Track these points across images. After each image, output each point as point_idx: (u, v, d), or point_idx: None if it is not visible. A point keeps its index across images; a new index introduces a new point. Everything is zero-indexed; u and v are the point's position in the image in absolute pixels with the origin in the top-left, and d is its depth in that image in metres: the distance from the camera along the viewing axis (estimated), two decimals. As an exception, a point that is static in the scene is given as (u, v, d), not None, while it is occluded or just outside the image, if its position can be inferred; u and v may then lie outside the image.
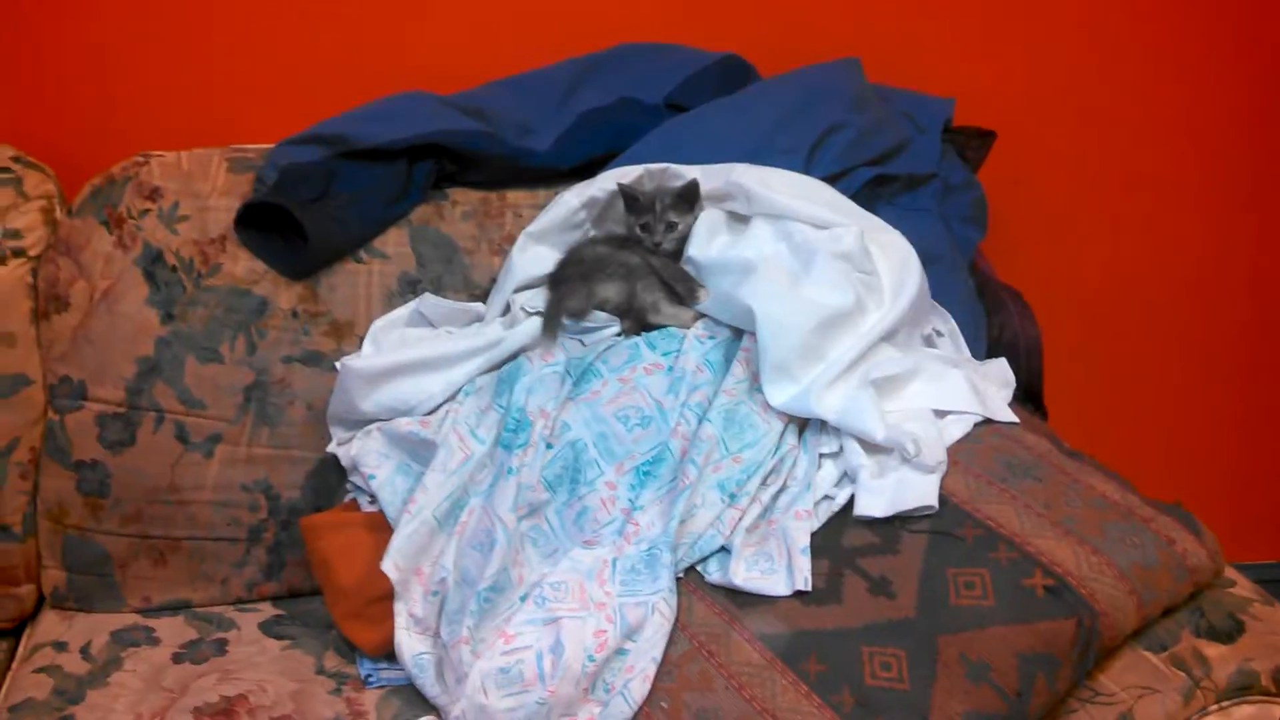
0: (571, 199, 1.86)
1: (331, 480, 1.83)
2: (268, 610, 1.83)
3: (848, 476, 1.59)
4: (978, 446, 1.60)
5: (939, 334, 1.89)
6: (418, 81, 2.09)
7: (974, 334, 1.97)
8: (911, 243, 1.83)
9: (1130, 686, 1.40)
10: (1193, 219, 2.52)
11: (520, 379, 1.71)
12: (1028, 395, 2.01)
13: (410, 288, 1.90)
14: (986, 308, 2.06)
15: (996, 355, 1.94)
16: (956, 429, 1.63)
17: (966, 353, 1.89)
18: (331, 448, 1.79)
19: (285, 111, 2.00)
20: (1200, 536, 1.47)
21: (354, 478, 1.76)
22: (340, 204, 1.89)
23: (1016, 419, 1.67)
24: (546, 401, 1.67)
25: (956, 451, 1.59)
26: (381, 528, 1.68)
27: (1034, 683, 1.35)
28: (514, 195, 1.99)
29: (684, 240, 1.82)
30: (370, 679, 1.65)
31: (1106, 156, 2.41)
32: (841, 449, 1.62)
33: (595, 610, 1.48)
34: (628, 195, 1.80)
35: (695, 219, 1.82)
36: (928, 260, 1.88)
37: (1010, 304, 2.07)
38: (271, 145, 1.94)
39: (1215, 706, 1.37)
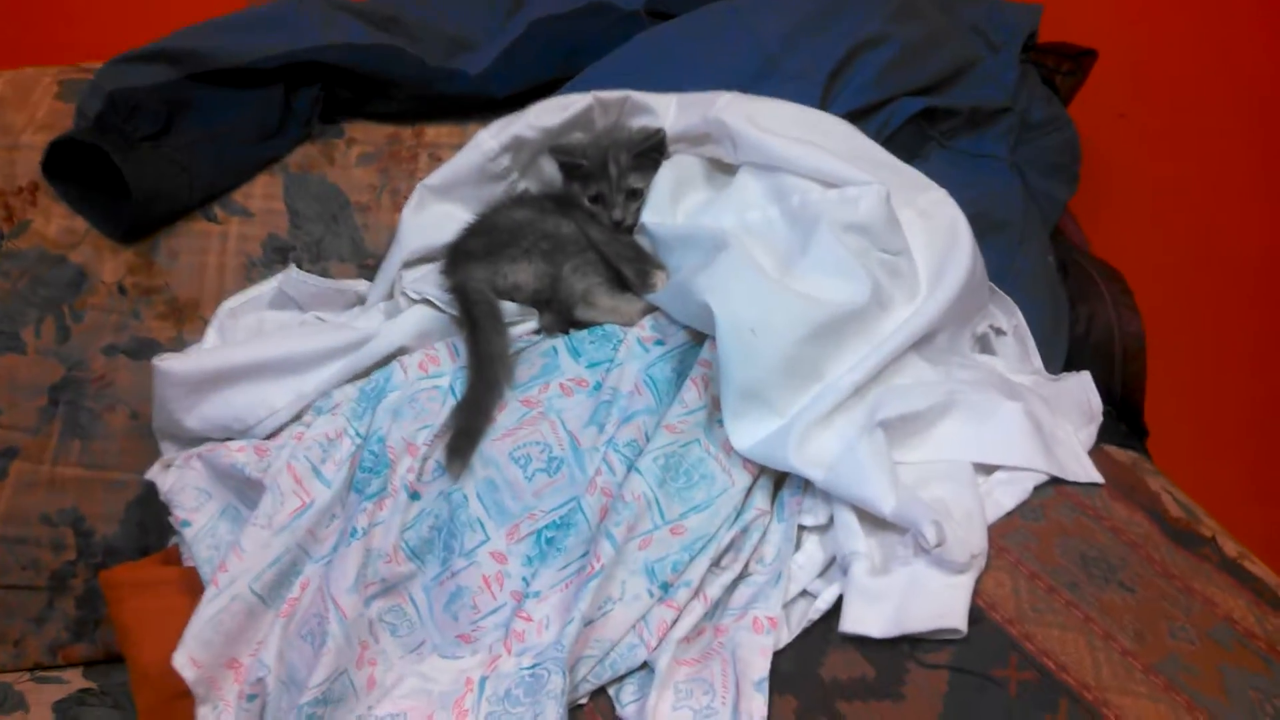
0: (487, 139, 1.36)
1: (163, 513, 1.37)
2: (75, 681, 1.40)
3: (838, 565, 1.07)
4: (1038, 526, 1.08)
5: (999, 332, 1.36)
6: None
7: (1051, 329, 1.46)
8: (971, 200, 1.32)
9: None
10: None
11: (386, 395, 1.21)
12: (1122, 411, 1.46)
13: (279, 255, 1.45)
14: (1072, 293, 1.52)
15: (1082, 358, 1.47)
16: (1007, 495, 1.11)
17: (1036, 359, 1.36)
18: (152, 473, 1.33)
19: (152, 19, 1.54)
20: (1383, 692, 0.93)
21: (172, 520, 1.29)
22: (187, 142, 1.43)
23: (1100, 478, 1.13)
24: (416, 430, 1.18)
25: (1004, 532, 1.07)
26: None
27: None
28: (435, 131, 1.52)
29: None
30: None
31: (1250, 83, 1.85)
32: (832, 521, 1.09)
33: (441, 764, 1.00)
34: (565, 162, 1.34)
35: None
36: (991, 227, 1.39)
37: (1104, 288, 1.53)
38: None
39: None
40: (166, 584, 1.27)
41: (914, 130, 1.52)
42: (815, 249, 1.21)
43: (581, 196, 1.33)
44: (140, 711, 1.24)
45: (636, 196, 1.33)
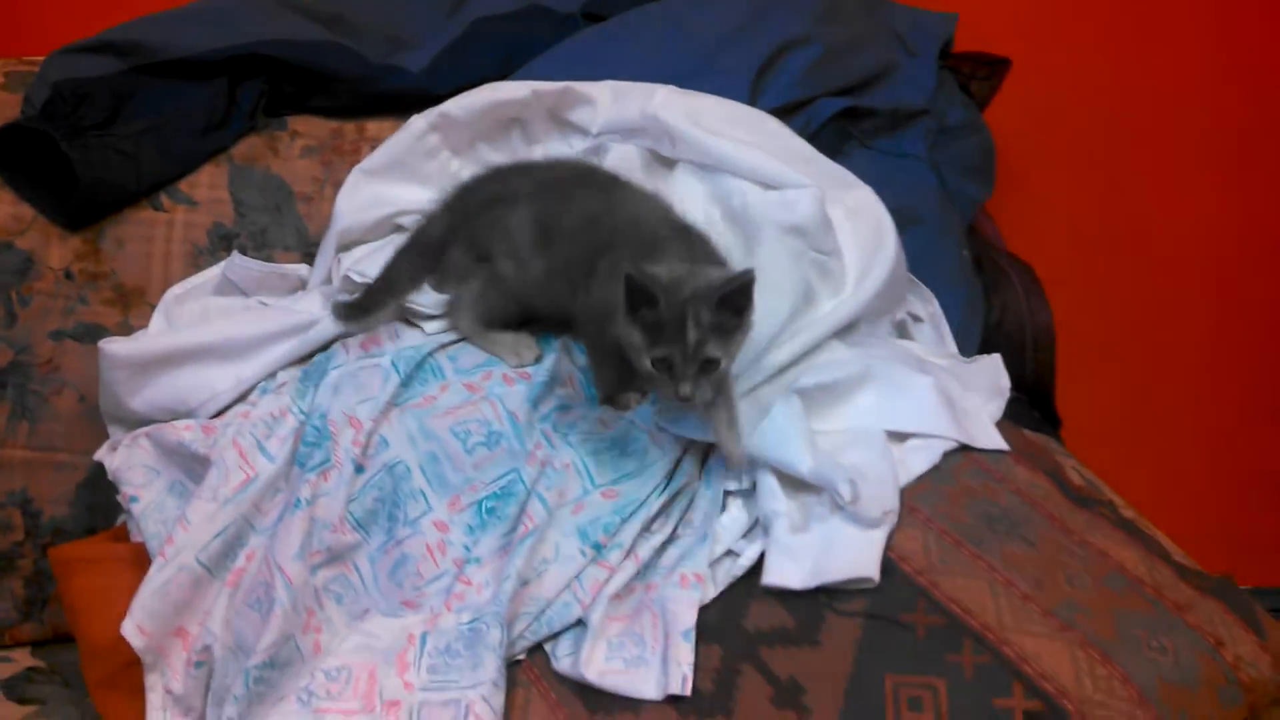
0: (417, 119, 1.42)
1: (112, 496, 1.39)
2: (22, 660, 1.42)
3: (761, 525, 1.14)
4: (948, 488, 1.15)
5: (916, 319, 1.44)
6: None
7: (966, 318, 1.53)
8: (891, 197, 1.41)
9: None
10: (1257, 178, 1.99)
11: (328, 374, 1.26)
12: (1034, 398, 1.54)
13: (224, 244, 1.48)
14: (986, 284, 1.59)
15: (995, 345, 1.52)
16: (919, 460, 1.18)
17: (950, 344, 1.44)
18: (100, 454, 1.35)
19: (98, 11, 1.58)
20: (1260, 633, 1.02)
21: (120, 498, 1.33)
22: (133, 132, 1.47)
23: (1005, 445, 1.21)
24: (358, 405, 1.23)
25: (916, 494, 1.14)
26: (152, 565, 1.25)
27: None
28: (376, 126, 1.57)
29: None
30: (120, 768, 1.23)
31: (1154, 94, 1.94)
32: (754, 486, 1.16)
33: (384, 713, 1.05)
34: (638, 292, 1.03)
35: (745, 338, 1.09)
36: (909, 221, 1.46)
37: (1016, 279, 1.60)
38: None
39: None
40: (115, 560, 1.29)
41: (836, 129, 1.59)
42: (761, 252, 1.27)
43: (643, 354, 1.05)
44: (89, 685, 1.27)
45: (711, 369, 1.05)
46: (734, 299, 1.04)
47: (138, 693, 1.20)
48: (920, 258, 1.47)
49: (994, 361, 1.37)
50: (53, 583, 1.41)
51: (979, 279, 1.60)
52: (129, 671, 1.21)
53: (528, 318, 1.30)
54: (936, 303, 1.46)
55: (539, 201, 1.21)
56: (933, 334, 1.44)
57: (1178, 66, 1.92)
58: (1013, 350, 1.53)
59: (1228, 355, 2.05)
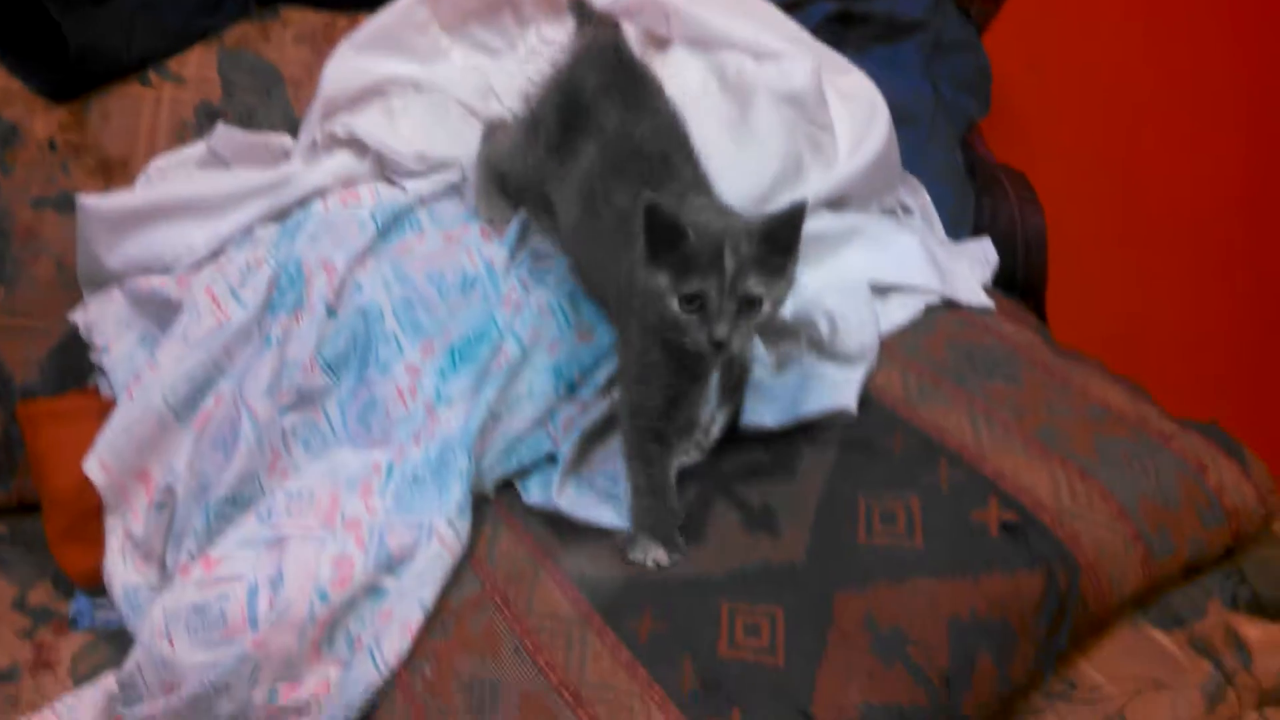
0: None
1: (83, 361, 1.38)
2: (-14, 525, 1.39)
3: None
4: (928, 337, 1.13)
5: (906, 210, 1.42)
6: None
7: (957, 216, 1.52)
8: (885, 96, 1.38)
9: (1126, 678, 0.91)
10: (1245, 115, 1.99)
11: (305, 227, 1.24)
12: (1025, 299, 1.52)
13: (211, 121, 1.45)
14: (977, 189, 1.57)
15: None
16: (901, 311, 1.17)
17: (940, 233, 1.41)
18: (74, 313, 1.34)
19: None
20: (1245, 465, 0.99)
21: (92, 354, 1.31)
22: (126, 7, 1.44)
23: (991, 304, 1.19)
24: (334, 252, 1.21)
25: (897, 343, 1.12)
26: (120, 419, 1.23)
27: (973, 664, 0.87)
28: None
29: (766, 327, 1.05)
30: (79, 620, 1.21)
31: (1149, 41, 1.95)
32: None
33: (343, 531, 1.02)
34: (660, 226, 0.89)
35: (792, 284, 0.95)
36: (903, 120, 1.45)
37: (1009, 185, 1.58)
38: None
39: (1255, 715, 0.89)
40: (83, 414, 1.27)
41: (831, 35, 1.58)
42: (754, 116, 1.27)
43: (669, 295, 0.91)
44: (50, 537, 1.25)
45: (753, 310, 0.91)
46: (780, 233, 0.90)
47: (98, 543, 1.19)
48: (912, 156, 1.47)
49: (983, 242, 1.36)
50: (20, 449, 1.37)
51: (971, 182, 1.59)
52: (90, 522, 1.20)
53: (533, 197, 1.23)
54: (926, 195, 1.45)
55: (604, 158, 1.05)
56: (923, 224, 1.42)
57: (1168, 24, 1.94)
58: (1004, 253, 1.51)
59: (1221, 269, 2.04)
